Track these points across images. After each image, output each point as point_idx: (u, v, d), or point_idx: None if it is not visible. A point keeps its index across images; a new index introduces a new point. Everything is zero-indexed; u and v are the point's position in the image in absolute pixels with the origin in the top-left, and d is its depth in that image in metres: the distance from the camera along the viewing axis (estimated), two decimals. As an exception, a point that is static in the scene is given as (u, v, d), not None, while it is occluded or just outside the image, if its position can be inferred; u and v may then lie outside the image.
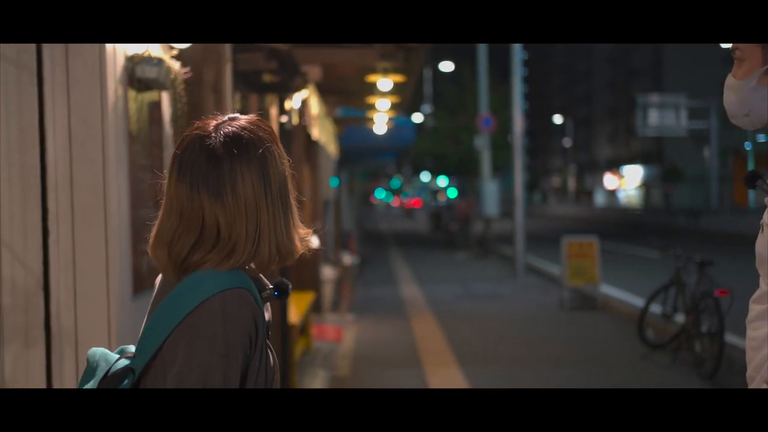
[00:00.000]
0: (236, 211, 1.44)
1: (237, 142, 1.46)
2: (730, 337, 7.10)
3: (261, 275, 1.56)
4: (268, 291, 1.50)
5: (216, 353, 1.36)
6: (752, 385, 1.76)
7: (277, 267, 1.56)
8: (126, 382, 1.46)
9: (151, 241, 1.50)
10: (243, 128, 1.48)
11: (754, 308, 1.81)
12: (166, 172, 1.51)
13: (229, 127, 1.48)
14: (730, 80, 1.79)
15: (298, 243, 1.51)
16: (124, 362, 1.49)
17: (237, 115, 1.54)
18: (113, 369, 1.48)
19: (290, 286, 1.53)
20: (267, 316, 1.53)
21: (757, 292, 1.80)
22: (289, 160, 1.54)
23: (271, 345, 1.54)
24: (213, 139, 1.45)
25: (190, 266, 1.45)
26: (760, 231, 1.78)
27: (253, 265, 1.49)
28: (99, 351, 1.53)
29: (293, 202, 1.52)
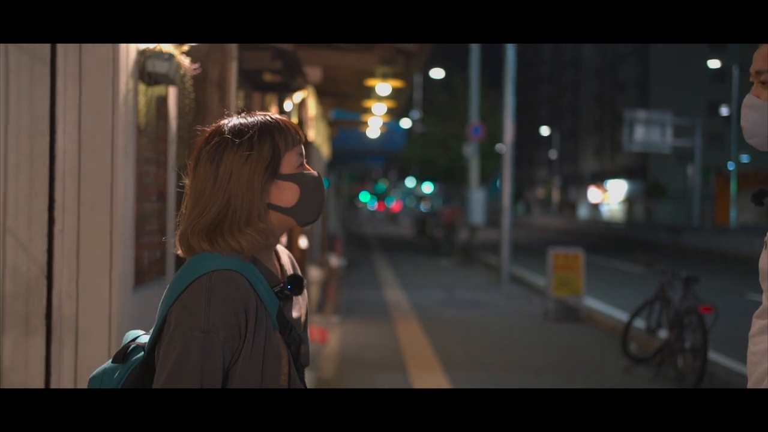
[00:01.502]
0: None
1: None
2: (712, 354, 7.20)
3: (279, 270, 1.58)
4: (281, 285, 1.52)
5: (197, 328, 1.40)
6: (752, 399, 1.80)
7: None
8: (137, 357, 1.53)
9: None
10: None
11: (756, 323, 1.84)
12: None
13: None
14: (752, 100, 1.79)
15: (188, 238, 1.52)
16: (143, 339, 1.56)
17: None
18: (132, 345, 1.55)
19: (304, 281, 1.56)
20: (295, 313, 1.55)
21: (761, 308, 1.85)
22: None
23: (293, 342, 1.54)
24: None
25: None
26: (764, 248, 1.82)
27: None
28: (133, 332, 1.58)
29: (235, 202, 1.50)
